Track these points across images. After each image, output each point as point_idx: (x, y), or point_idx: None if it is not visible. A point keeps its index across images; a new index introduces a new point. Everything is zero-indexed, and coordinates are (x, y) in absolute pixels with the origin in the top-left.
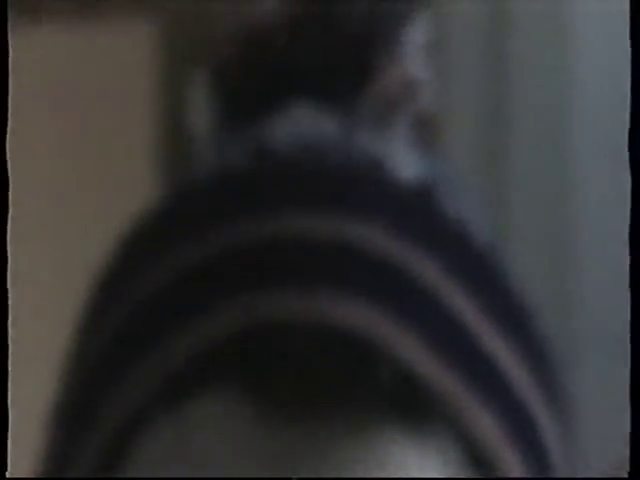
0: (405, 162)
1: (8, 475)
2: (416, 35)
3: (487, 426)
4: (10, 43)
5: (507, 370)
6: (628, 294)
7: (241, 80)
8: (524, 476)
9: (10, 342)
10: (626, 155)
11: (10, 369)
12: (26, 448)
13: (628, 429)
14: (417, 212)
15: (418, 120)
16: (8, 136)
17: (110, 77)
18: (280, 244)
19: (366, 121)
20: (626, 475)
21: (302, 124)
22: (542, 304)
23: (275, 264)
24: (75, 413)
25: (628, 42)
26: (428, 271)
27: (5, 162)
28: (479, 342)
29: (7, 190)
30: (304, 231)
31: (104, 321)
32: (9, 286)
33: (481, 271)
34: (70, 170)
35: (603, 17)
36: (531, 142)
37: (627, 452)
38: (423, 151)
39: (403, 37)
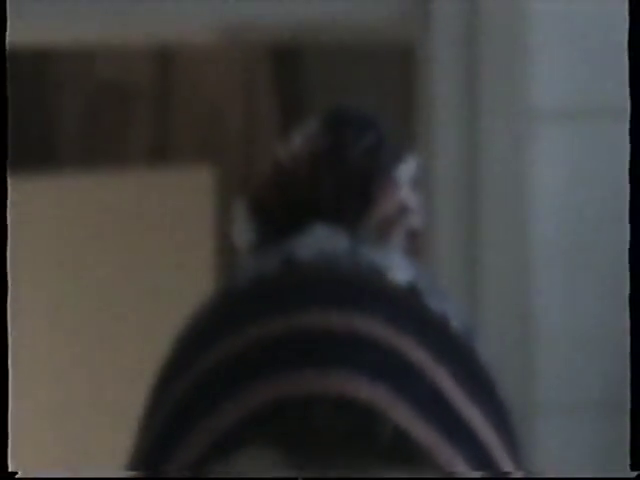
0: (399, 269)
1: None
2: (407, 170)
3: (462, 468)
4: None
5: (477, 428)
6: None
7: (272, 207)
8: None
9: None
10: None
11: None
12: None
13: None
14: (409, 307)
15: (409, 236)
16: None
17: (176, 213)
18: (302, 335)
19: (369, 238)
20: None
21: (320, 241)
22: (505, 376)
23: (299, 351)
24: (149, 459)
25: None
26: (417, 353)
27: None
28: (456, 407)
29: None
30: (322, 324)
31: (169, 393)
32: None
33: (458, 352)
34: (141, 277)
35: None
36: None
37: None
38: (413, 260)
39: (397, 172)
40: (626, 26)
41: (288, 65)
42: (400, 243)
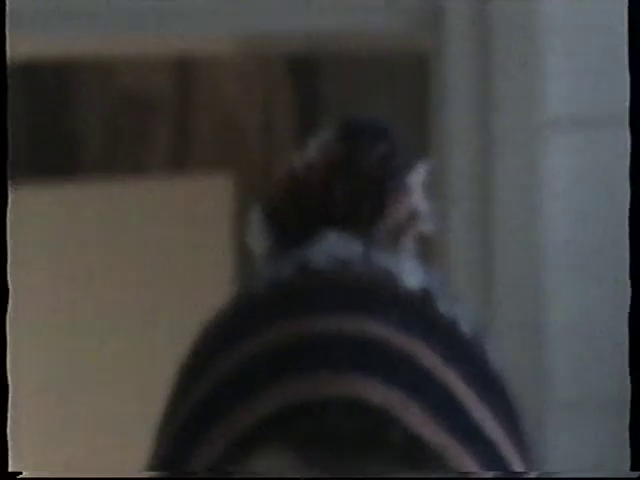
0: (411, 275)
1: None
2: (419, 176)
3: (474, 469)
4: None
5: (489, 429)
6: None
7: (286, 214)
8: None
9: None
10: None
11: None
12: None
13: None
14: (420, 312)
15: (419, 241)
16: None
17: (195, 220)
18: (316, 339)
19: (382, 243)
20: None
21: (335, 247)
22: (517, 374)
23: (313, 355)
24: (168, 460)
25: None
26: (428, 357)
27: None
28: (467, 409)
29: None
30: (336, 329)
31: (188, 395)
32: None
33: (468, 355)
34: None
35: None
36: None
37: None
38: (424, 265)
39: (409, 178)
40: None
41: (305, 75)
42: (411, 248)
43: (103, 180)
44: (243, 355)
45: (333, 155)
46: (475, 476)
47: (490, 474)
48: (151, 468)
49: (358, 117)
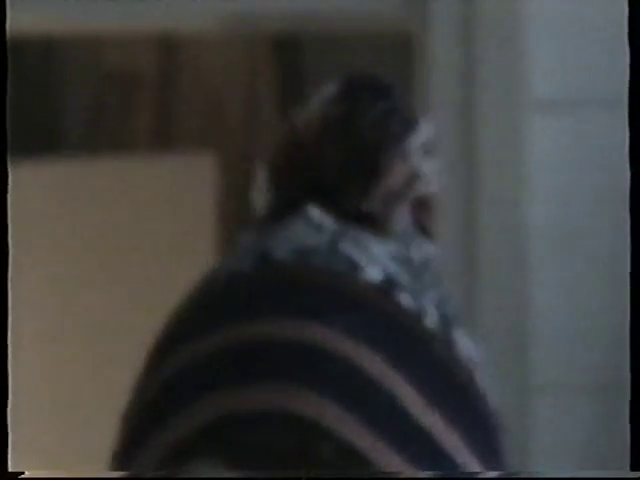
0: (375, 265)
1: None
2: (419, 137)
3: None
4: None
5: (437, 432)
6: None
7: (285, 171)
8: None
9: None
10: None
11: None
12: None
13: None
14: (377, 308)
15: (419, 204)
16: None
17: (179, 198)
18: (259, 345)
19: (377, 208)
20: None
21: (302, 235)
22: (502, 360)
23: (253, 362)
24: (118, 460)
25: None
26: (373, 364)
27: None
28: (413, 414)
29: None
30: (279, 334)
31: (136, 399)
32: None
33: (427, 352)
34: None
35: None
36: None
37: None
38: (421, 231)
39: (408, 140)
40: (623, 18)
41: (289, 54)
42: (405, 214)
43: (86, 157)
44: (185, 360)
45: (332, 111)
46: (475, 476)
47: (490, 474)
48: (110, 467)
49: (361, 74)
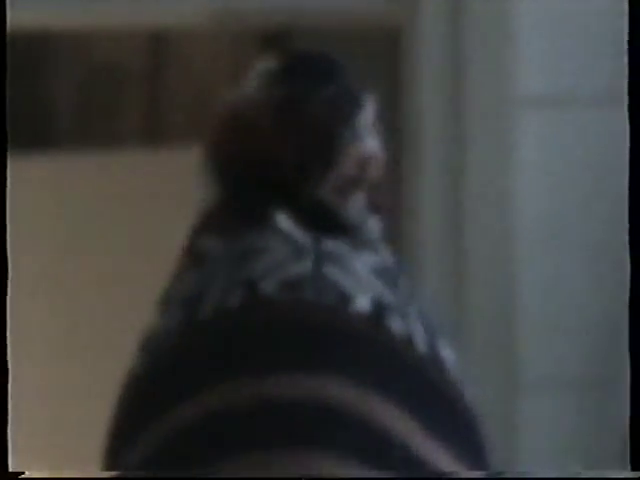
0: (364, 291)
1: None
2: (367, 117)
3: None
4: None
5: (433, 462)
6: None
7: (232, 155)
8: None
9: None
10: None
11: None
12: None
13: None
14: (370, 337)
15: (373, 188)
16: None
17: (167, 191)
18: (270, 405)
19: (333, 197)
20: None
21: (284, 260)
22: (489, 359)
23: (267, 424)
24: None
25: None
26: (386, 411)
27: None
28: (413, 450)
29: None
30: (290, 392)
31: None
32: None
33: (419, 376)
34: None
35: None
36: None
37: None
38: (377, 215)
39: (358, 122)
40: (612, 14)
41: (277, 49)
42: (362, 199)
43: (75, 152)
44: (184, 421)
45: (278, 94)
46: (475, 476)
47: (479, 474)
48: (104, 467)
49: (304, 53)
